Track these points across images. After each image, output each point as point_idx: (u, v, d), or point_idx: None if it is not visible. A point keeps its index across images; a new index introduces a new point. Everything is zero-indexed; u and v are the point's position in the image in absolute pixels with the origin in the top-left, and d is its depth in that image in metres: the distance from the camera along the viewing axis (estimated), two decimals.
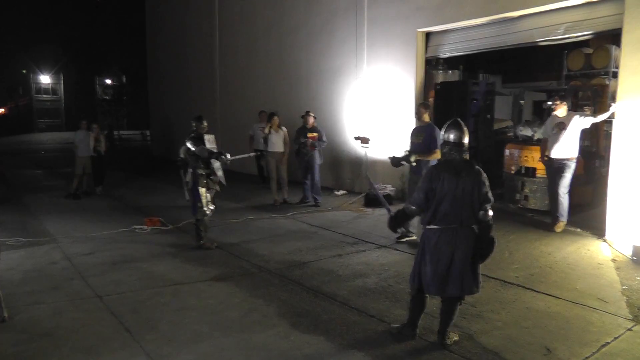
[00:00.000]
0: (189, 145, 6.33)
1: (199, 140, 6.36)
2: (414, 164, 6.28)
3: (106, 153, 11.31)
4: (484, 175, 3.67)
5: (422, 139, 6.45)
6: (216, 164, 6.38)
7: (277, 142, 9.30)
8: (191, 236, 6.75)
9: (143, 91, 26.81)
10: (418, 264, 3.73)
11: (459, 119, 3.79)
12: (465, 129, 3.72)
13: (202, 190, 6.40)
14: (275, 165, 9.35)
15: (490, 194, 3.67)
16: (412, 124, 7.10)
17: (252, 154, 6.92)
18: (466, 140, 3.69)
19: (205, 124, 6.54)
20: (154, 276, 5.44)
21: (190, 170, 6.44)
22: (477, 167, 3.69)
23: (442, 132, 3.79)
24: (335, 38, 10.80)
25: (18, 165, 17.15)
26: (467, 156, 3.70)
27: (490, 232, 3.70)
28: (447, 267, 3.58)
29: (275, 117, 9.35)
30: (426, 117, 6.63)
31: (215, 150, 6.39)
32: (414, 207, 3.74)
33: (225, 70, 14.91)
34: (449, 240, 3.59)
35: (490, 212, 3.68)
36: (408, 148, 6.57)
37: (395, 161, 6.46)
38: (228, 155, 6.40)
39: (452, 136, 3.68)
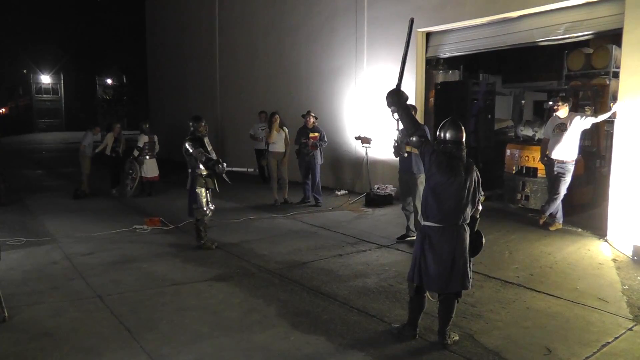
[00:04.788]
0: (187, 146, 6.32)
1: (198, 143, 6.35)
2: (405, 155, 6.34)
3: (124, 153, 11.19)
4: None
5: None
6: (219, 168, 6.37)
7: (278, 142, 9.30)
8: (191, 236, 6.74)
9: (143, 91, 26.81)
10: (417, 260, 3.72)
11: (455, 118, 3.80)
12: (462, 127, 3.73)
13: (202, 190, 6.39)
14: (276, 165, 9.34)
15: (481, 189, 3.76)
16: None
17: (249, 170, 6.88)
18: (464, 138, 3.73)
19: (203, 124, 6.50)
20: (154, 276, 5.44)
21: (189, 170, 6.44)
22: (473, 163, 3.71)
23: (438, 132, 3.79)
24: (335, 38, 10.79)
25: (18, 165, 17.14)
26: (465, 154, 3.71)
27: (476, 225, 3.78)
28: (450, 265, 3.60)
29: (277, 117, 9.32)
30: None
31: (213, 157, 6.37)
32: (415, 139, 3.77)
33: (225, 70, 14.91)
34: (449, 239, 3.61)
35: (480, 207, 3.77)
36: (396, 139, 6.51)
37: (395, 151, 6.53)
38: (225, 165, 6.37)
39: (449, 134, 3.68)
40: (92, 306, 4.62)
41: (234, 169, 6.77)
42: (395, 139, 6.43)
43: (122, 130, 11.39)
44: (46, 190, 11.54)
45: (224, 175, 6.45)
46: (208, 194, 6.48)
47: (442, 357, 3.64)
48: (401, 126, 4.09)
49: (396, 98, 3.92)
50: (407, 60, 4.17)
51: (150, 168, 10.49)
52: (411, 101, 8.91)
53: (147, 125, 10.69)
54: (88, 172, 10.67)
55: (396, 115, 3.98)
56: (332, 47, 10.90)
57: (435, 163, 3.60)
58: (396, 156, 6.55)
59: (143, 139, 10.42)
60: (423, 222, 3.78)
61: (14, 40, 50.02)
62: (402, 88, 4.07)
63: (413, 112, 6.60)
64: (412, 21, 4.11)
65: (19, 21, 51.70)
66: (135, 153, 10.29)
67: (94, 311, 4.51)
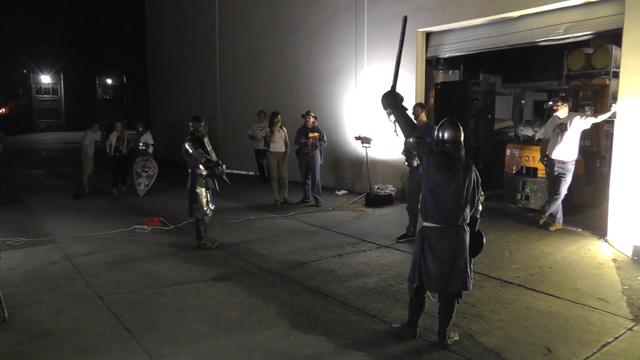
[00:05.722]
0: (187, 147, 6.32)
1: (197, 143, 6.35)
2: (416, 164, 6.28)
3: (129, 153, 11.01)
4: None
5: None
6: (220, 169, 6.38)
7: (278, 142, 9.30)
8: (191, 236, 6.75)
9: (143, 91, 26.78)
10: (417, 261, 3.72)
11: (453, 118, 3.79)
12: (461, 127, 3.73)
13: (202, 190, 6.39)
14: (276, 165, 9.34)
15: (480, 188, 3.76)
16: None
17: (249, 173, 6.92)
18: (463, 138, 3.73)
19: (203, 124, 6.51)
20: (154, 276, 5.44)
21: (189, 170, 6.44)
22: (472, 163, 3.71)
23: (436, 131, 3.79)
24: (335, 38, 10.79)
25: (18, 165, 17.13)
26: (463, 154, 3.71)
27: (477, 225, 3.78)
28: (450, 266, 3.60)
29: (279, 117, 9.31)
30: (423, 117, 6.64)
31: (212, 159, 6.37)
32: (412, 140, 3.70)
33: (225, 70, 14.91)
34: (450, 239, 3.61)
35: (480, 207, 3.77)
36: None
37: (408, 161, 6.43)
38: (224, 167, 6.38)
39: (448, 134, 3.68)
40: (92, 306, 4.63)
41: (234, 171, 6.76)
42: (403, 148, 6.36)
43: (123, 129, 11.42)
44: (46, 190, 11.53)
45: (223, 176, 6.46)
46: (208, 194, 6.47)
47: (442, 357, 3.64)
48: (399, 128, 4.03)
49: (391, 100, 3.86)
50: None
51: None
52: (411, 101, 8.96)
53: (141, 128, 10.94)
54: (90, 172, 10.71)
55: (392, 118, 3.90)
56: (332, 47, 10.90)
57: (434, 163, 3.59)
58: (407, 165, 6.53)
59: (150, 137, 10.73)
60: (423, 223, 3.78)
61: (14, 40, 50.01)
62: (399, 89, 4.02)
63: (423, 110, 6.62)
64: (405, 19, 4.05)
65: (19, 21, 51.67)
66: (150, 150, 10.56)
67: (94, 311, 4.51)
